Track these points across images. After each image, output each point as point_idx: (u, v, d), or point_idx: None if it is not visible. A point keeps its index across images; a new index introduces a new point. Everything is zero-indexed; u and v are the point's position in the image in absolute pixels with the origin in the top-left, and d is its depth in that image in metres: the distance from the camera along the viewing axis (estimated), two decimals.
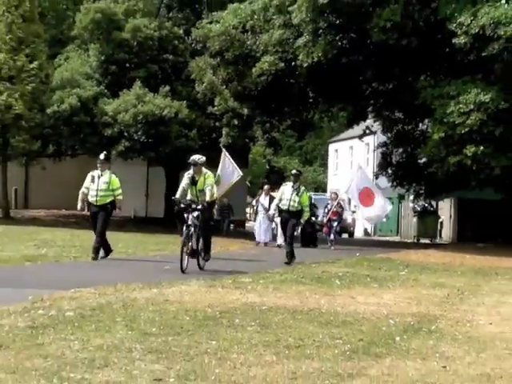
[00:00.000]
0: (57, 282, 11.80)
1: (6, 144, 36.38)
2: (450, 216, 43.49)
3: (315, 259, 20.92)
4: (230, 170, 27.97)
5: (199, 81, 37.43)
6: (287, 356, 7.02)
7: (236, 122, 37.09)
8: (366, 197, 29.46)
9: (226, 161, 27.98)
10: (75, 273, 13.10)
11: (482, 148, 28.35)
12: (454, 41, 28.81)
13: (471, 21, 28.04)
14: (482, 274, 18.41)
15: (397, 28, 30.20)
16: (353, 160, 60.42)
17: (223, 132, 37.42)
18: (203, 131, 38.32)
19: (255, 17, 34.85)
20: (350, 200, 41.40)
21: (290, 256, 19.07)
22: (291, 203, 19.04)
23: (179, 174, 40.80)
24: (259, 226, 28.68)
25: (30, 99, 35.12)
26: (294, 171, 20.97)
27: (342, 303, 10.97)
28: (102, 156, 17.92)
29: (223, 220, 36.28)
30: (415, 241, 41.77)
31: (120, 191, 17.58)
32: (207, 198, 15.52)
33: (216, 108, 36.92)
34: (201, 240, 16.01)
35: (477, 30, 27.90)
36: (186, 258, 15.21)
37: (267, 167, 78.57)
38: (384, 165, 40.90)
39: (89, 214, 18.17)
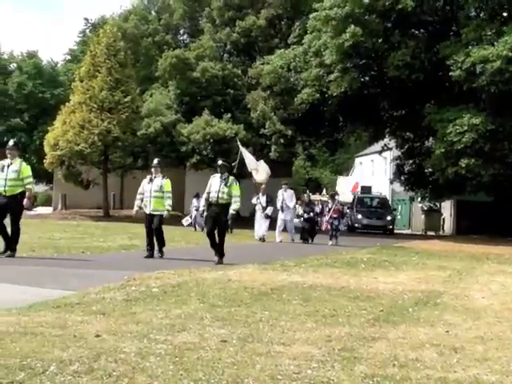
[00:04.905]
0: (145, 266, 11.87)
1: (107, 159, 36.93)
2: (451, 214, 43.03)
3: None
4: (251, 158, 26.62)
5: (254, 109, 37.68)
6: (324, 323, 6.98)
7: (282, 141, 37.22)
8: None
9: (244, 153, 26.78)
10: (159, 259, 13.14)
11: (473, 161, 28.16)
12: (450, 74, 28.58)
13: (464, 59, 27.81)
14: (476, 259, 18.16)
15: (407, 66, 30.14)
16: (374, 170, 59.99)
17: (272, 148, 37.53)
18: (257, 148, 38.42)
19: (297, 59, 34.98)
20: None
21: (220, 255, 13.53)
22: (220, 195, 13.41)
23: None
24: (259, 224, 23.48)
25: (124, 125, 35.62)
26: (220, 162, 14.26)
27: (367, 282, 10.88)
28: (10, 142, 12.88)
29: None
30: (423, 233, 41.31)
31: (30, 180, 12.56)
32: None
33: (267, 130, 37.09)
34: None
35: (468, 65, 27.66)
36: None
37: (306, 177, 78.21)
38: (398, 174, 40.88)
39: None
